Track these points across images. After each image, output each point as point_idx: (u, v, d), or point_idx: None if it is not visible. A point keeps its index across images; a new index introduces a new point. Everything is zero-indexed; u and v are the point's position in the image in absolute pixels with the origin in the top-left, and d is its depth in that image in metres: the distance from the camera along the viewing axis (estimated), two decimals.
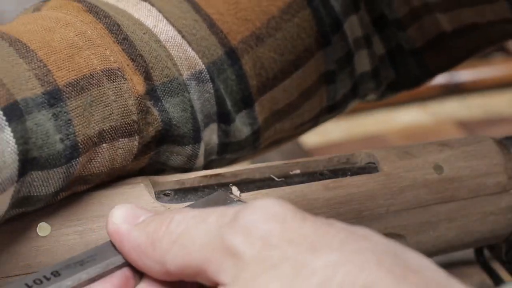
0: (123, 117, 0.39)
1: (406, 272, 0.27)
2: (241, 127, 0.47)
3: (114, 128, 0.38)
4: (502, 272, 0.49)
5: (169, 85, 0.42)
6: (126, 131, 0.39)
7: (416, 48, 0.54)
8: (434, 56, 0.55)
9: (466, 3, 0.51)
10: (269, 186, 0.41)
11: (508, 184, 0.45)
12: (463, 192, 0.44)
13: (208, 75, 0.44)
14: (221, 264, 0.30)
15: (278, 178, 0.42)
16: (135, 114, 0.39)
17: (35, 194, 0.35)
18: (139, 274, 0.34)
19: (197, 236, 0.31)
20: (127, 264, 0.33)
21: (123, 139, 0.39)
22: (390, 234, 0.43)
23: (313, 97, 0.52)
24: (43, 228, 0.36)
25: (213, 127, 0.45)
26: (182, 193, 0.40)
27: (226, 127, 0.46)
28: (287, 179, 0.42)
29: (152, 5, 0.44)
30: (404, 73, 0.57)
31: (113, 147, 0.38)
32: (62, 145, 0.36)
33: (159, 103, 0.41)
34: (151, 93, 0.41)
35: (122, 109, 0.39)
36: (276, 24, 0.48)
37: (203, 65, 0.44)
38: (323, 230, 0.30)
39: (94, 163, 0.38)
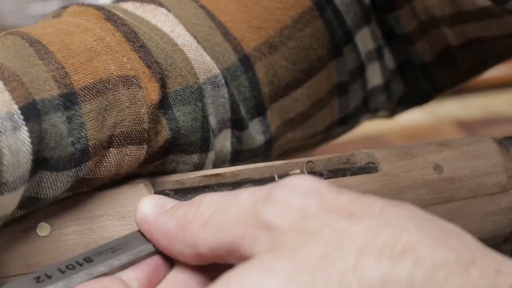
0: (134, 125, 0.39)
1: (446, 237, 0.28)
2: (254, 134, 0.47)
3: (124, 134, 0.38)
4: None
5: (182, 93, 0.42)
6: (136, 138, 0.39)
7: (425, 63, 0.55)
8: (442, 70, 0.56)
9: (472, 18, 0.51)
10: None
11: (508, 184, 0.45)
12: (463, 192, 0.44)
13: (223, 80, 0.45)
14: (256, 238, 0.30)
15: (278, 178, 0.42)
16: (146, 123, 0.39)
17: (42, 196, 0.36)
18: (170, 262, 0.34)
19: (229, 214, 0.31)
20: (158, 252, 0.34)
21: (131, 146, 0.39)
22: None
23: (325, 108, 0.52)
24: (43, 228, 0.36)
25: (227, 133, 0.46)
26: (182, 193, 0.40)
27: (239, 134, 0.46)
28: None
29: (169, 10, 0.45)
30: (413, 88, 0.57)
31: (120, 153, 0.38)
32: (73, 149, 0.36)
33: (170, 111, 0.41)
34: (163, 101, 0.41)
35: (135, 116, 0.39)
36: (289, 33, 0.49)
37: (218, 70, 0.45)
38: (360, 200, 0.30)
39: (100, 167, 0.38)
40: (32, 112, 0.34)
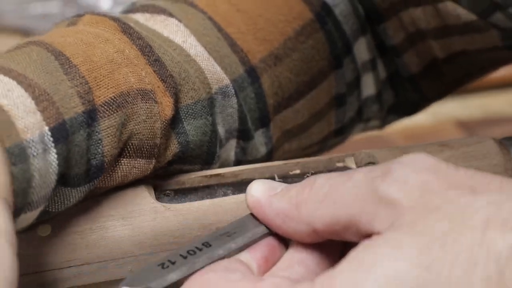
0: (148, 139, 0.39)
1: None
2: (258, 146, 0.48)
3: (136, 147, 0.39)
4: None
5: (193, 107, 0.42)
6: (147, 152, 0.39)
7: (412, 74, 0.55)
8: (429, 82, 0.56)
9: (456, 32, 0.51)
10: None
11: None
12: None
13: (233, 90, 0.45)
14: (376, 214, 0.30)
15: (278, 178, 0.42)
16: (159, 138, 0.39)
17: (53, 210, 0.36)
18: (285, 243, 0.35)
19: (346, 191, 0.32)
20: (272, 233, 0.35)
21: (141, 160, 0.39)
22: None
23: (322, 119, 0.52)
24: (43, 228, 0.36)
25: (232, 143, 0.46)
26: (182, 193, 0.40)
27: (245, 144, 0.47)
28: (287, 179, 0.42)
29: (180, 21, 0.45)
30: (403, 98, 0.58)
31: (129, 164, 0.39)
32: (89, 165, 0.36)
33: (180, 125, 0.41)
34: (175, 115, 0.41)
35: (149, 130, 0.39)
36: (292, 45, 0.49)
37: (229, 80, 0.45)
38: (478, 175, 0.31)
39: (108, 178, 0.38)
40: (61, 133, 0.34)
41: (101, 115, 0.37)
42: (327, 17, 0.51)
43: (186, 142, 0.41)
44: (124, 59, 0.39)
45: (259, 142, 0.48)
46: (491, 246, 0.28)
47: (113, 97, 0.37)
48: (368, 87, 0.55)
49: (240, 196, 0.40)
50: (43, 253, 0.36)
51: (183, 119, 0.41)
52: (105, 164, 0.37)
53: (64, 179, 0.35)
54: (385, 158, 0.43)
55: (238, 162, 0.47)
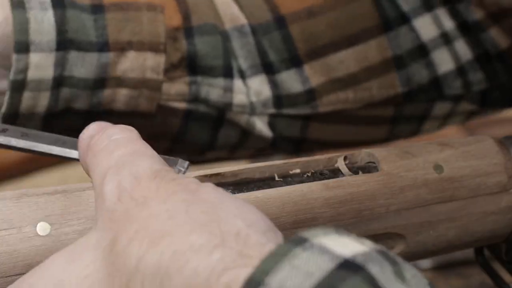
0: (151, 36, 0.50)
1: (207, 222, 0.29)
2: (291, 82, 0.53)
3: (141, 42, 0.49)
4: (502, 272, 0.49)
5: (204, 27, 0.51)
6: (153, 47, 0.50)
7: (501, 51, 0.56)
8: None
9: None
10: (269, 186, 0.41)
11: (508, 183, 0.45)
12: (463, 192, 0.44)
13: (249, 29, 0.52)
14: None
15: (278, 177, 0.42)
16: (163, 38, 0.50)
17: (76, 75, 0.48)
18: None
19: None
20: None
21: (150, 53, 0.49)
22: (390, 234, 0.43)
23: (381, 76, 0.55)
24: (43, 228, 0.36)
25: (262, 78, 0.53)
26: None
27: (272, 78, 0.53)
28: (287, 179, 0.42)
29: None
30: (494, 81, 0.58)
31: (141, 56, 0.49)
32: (95, 39, 0.48)
33: (190, 38, 0.51)
34: (187, 30, 0.51)
35: (152, 30, 0.50)
36: (331, 5, 0.53)
37: (246, 21, 0.52)
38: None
39: (125, 64, 0.49)
40: (60, 3, 0.47)
41: (108, 10, 0.49)
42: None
43: (194, 50, 0.50)
44: None
45: (292, 78, 0.53)
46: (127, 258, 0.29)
47: (119, 2, 0.49)
48: (444, 62, 0.56)
49: (240, 196, 0.39)
50: (43, 252, 0.36)
51: (194, 35, 0.51)
52: (109, 42, 0.49)
53: (72, 42, 0.47)
54: (385, 158, 0.43)
55: (276, 98, 0.53)
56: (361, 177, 0.42)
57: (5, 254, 0.35)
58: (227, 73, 0.52)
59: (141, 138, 0.36)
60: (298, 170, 0.43)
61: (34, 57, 0.47)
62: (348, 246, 0.26)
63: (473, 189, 0.44)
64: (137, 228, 0.29)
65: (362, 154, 0.44)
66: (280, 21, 0.53)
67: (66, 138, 0.42)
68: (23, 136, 0.43)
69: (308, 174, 0.42)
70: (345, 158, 0.43)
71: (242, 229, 0.28)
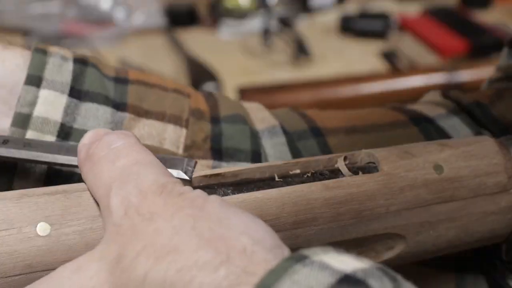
0: (173, 110, 0.47)
1: (214, 239, 0.29)
2: None
3: (162, 113, 0.47)
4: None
5: (232, 116, 0.49)
6: (174, 120, 0.47)
7: None
8: None
9: None
10: (269, 186, 0.41)
11: (508, 183, 0.45)
12: (463, 192, 0.44)
13: (281, 130, 0.50)
14: None
15: (278, 177, 0.42)
16: (186, 113, 0.47)
17: (87, 129, 0.44)
18: None
19: None
20: None
21: (171, 124, 0.47)
22: (390, 234, 0.43)
23: None
24: (43, 228, 0.36)
25: None
26: None
27: None
28: (287, 179, 0.42)
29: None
30: None
31: (160, 125, 0.46)
32: (113, 96, 0.46)
33: (216, 123, 0.48)
34: (213, 116, 0.48)
35: (175, 105, 0.47)
36: (375, 129, 0.52)
37: (277, 122, 0.50)
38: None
39: (142, 129, 0.46)
40: (81, 60, 0.46)
41: (131, 82, 0.47)
42: (429, 125, 0.53)
43: (219, 130, 0.48)
44: (185, 87, 0.49)
45: None
46: (132, 273, 0.29)
47: (146, 80, 0.48)
48: None
49: (240, 196, 0.39)
50: (43, 253, 0.36)
51: (221, 121, 0.48)
52: (127, 104, 0.46)
53: (87, 95, 0.45)
54: (385, 158, 0.43)
55: None
56: (361, 177, 0.42)
57: (5, 255, 0.35)
58: (255, 158, 0.49)
59: (140, 143, 0.36)
60: (298, 171, 0.43)
61: (44, 92, 0.44)
62: (348, 263, 0.27)
63: (473, 189, 0.44)
64: (144, 243, 0.30)
65: (362, 155, 0.44)
66: (317, 131, 0.50)
67: (69, 145, 0.41)
68: (26, 147, 0.41)
69: (308, 174, 0.42)
70: (345, 158, 0.43)
71: (248, 246, 0.29)
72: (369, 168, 0.43)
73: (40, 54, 0.45)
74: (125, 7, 1.37)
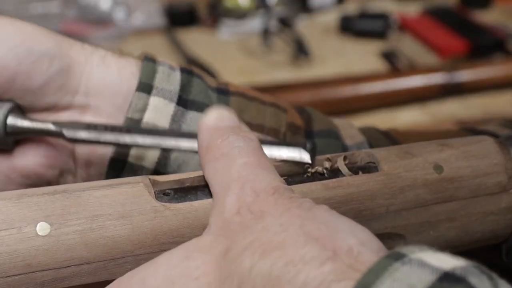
0: (271, 123, 0.50)
1: (321, 236, 0.30)
2: None
3: (261, 126, 0.49)
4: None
5: (326, 132, 0.52)
6: (273, 132, 0.49)
7: None
8: None
9: None
10: None
11: (508, 184, 0.45)
12: (463, 192, 0.44)
13: (367, 146, 0.52)
14: None
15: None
16: (283, 127, 0.50)
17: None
18: None
19: None
20: None
21: (269, 137, 0.49)
22: (390, 234, 0.43)
23: None
24: (42, 228, 0.36)
25: None
26: (182, 193, 0.40)
27: None
28: (287, 179, 0.42)
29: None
30: None
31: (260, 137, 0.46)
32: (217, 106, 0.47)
33: (311, 138, 0.51)
34: (308, 131, 0.51)
35: (273, 119, 0.50)
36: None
37: (364, 139, 0.52)
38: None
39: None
40: (188, 70, 0.49)
41: (231, 93, 0.49)
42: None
43: (313, 143, 0.47)
44: (282, 102, 0.52)
45: None
46: (239, 265, 0.30)
47: (245, 93, 0.51)
48: None
49: None
50: (42, 253, 0.36)
51: (315, 136, 0.51)
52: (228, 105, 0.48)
53: (193, 104, 0.48)
54: (385, 158, 0.43)
55: None
56: (361, 177, 0.42)
57: (5, 254, 0.35)
58: None
59: (262, 148, 0.38)
60: (298, 171, 0.42)
61: (154, 100, 0.47)
62: (446, 260, 0.27)
63: (473, 189, 0.44)
64: (251, 239, 0.31)
65: (362, 154, 0.44)
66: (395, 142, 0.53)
67: (185, 132, 0.44)
68: (149, 134, 0.44)
69: (308, 174, 0.42)
70: (345, 158, 0.43)
71: (355, 246, 0.29)
72: (369, 168, 0.43)
73: (151, 62, 0.48)
74: (124, 7, 1.37)
